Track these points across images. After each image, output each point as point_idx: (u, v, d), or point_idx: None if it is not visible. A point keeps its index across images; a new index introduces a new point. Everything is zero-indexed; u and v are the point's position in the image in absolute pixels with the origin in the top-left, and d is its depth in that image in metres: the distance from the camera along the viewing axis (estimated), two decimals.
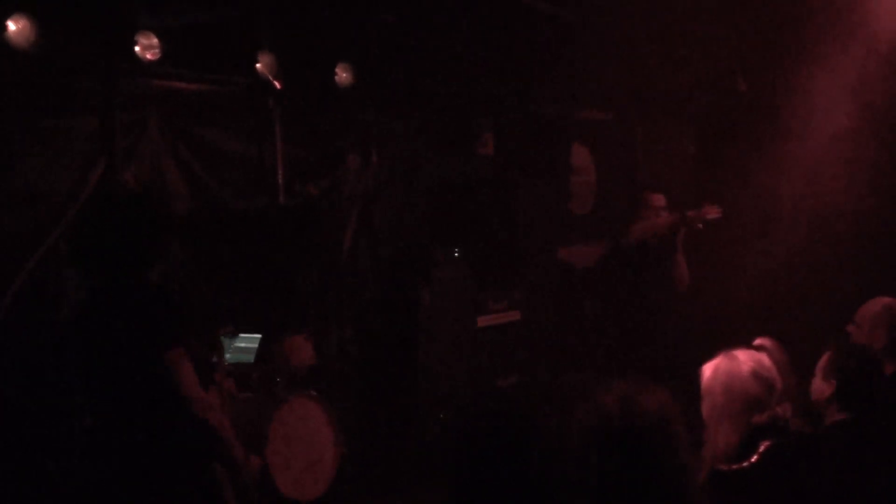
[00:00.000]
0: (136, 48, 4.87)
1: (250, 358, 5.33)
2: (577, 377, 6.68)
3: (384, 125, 6.46)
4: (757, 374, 2.75)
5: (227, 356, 4.87)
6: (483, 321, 6.47)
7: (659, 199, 5.86)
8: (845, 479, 3.02)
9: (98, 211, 3.29)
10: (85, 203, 4.92)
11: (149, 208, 3.22)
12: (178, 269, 4.26)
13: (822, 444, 3.06)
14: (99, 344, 3.13)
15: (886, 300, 3.93)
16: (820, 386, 3.42)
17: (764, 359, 2.81)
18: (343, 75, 5.83)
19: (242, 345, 5.36)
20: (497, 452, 2.15)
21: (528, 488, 2.12)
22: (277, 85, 5.38)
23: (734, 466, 2.63)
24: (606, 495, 2.08)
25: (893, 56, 5.99)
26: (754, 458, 2.63)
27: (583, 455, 2.11)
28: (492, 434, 2.20)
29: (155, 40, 4.91)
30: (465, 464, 2.17)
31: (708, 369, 2.76)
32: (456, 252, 6.44)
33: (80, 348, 3.19)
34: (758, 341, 2.90)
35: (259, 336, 5.36)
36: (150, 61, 4.91)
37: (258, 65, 5.39)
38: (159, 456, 3.12)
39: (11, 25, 4.42)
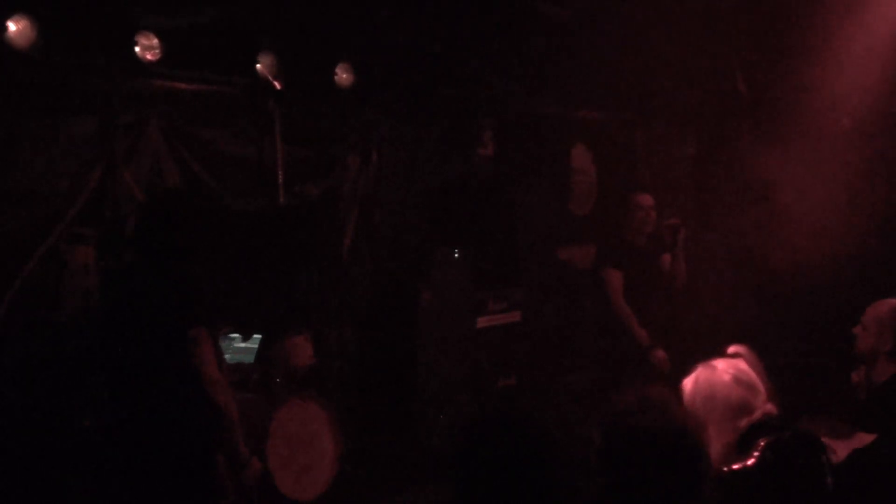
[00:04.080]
0: (136, 48, 4.87)
1: (250, 358, 5.34)
2: (577, 377, 6.69)
3: (384, 125, 6.46)
4: (738, 380, 2.77)
5: (227, 356, 4.87)
6: (483, 321, 6.46)
7: (646, 200, 5.87)
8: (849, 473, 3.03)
9: (162, 202, 3.73)
10: (89, 200, 4.96)
11: (198, 204, 3.53)
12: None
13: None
14: (126, 320, 3.23)
15: (893, 301, 3.87)
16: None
17: (741, 364, 2.84)
18: (343, 75, 5.83)
19: (242, 345, 5.37)
20: (498, 453, 2.15)
21: (529, 489, 2.12)
22: (277, 85, 5.37)
23: (734, 467, 2.63)
24: (624, 495, 2.08)
25: (893, 55, 6.00)
26: (753, 458, 2.63)
27: (603, 454, 2.12)
28: (492, 435, 2.20)
29: (155, 40, 4.91)
30: (466, 464, 2.18)
31: (688, 383, 2.77)
32: (456, 252, 6.44)
33: (106, 323, 3.38)
34: (732, 349, 2.91)
35: (259, 336, 5.37)
36: (150, 61, 4.92)
37: (258, 65, 5.39)
38: (166, 439, 3.14)
39: (12, 26, 4.43)
